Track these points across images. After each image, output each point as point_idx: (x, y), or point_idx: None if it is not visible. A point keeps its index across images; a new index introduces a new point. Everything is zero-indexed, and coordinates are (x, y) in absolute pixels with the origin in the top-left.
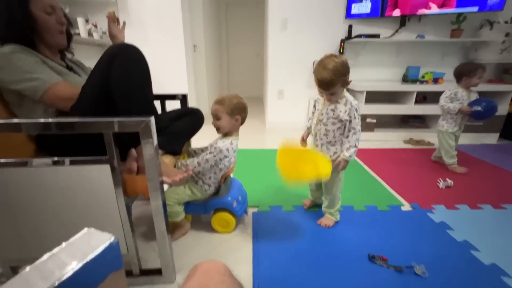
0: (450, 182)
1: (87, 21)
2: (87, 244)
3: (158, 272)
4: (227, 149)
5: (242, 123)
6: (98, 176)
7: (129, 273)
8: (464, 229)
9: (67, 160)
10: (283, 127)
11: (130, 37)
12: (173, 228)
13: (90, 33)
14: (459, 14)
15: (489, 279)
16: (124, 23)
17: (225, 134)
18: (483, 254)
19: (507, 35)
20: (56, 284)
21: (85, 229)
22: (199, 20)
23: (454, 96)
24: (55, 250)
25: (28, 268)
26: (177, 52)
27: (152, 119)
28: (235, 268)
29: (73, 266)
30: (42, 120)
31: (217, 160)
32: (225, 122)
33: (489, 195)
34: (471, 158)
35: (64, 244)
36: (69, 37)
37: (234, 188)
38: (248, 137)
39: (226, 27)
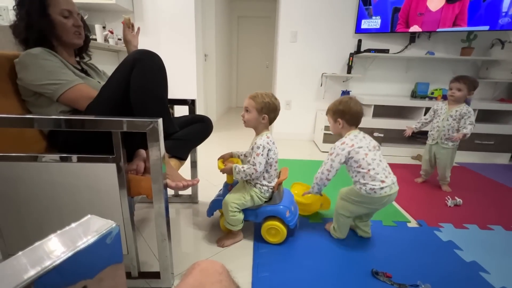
0: (459, 200)
1: (104, 27)
2: (85, 230)
3: (156, 275)
4: (267, 143)
5: (270, 123)
6: (103, 174)
7: (127, 275)
8: (473, 250)
9: (74, 157)
10: (289, 138)
11: (144, 44)
12: (226, 235)
13: (106, 39)
14: (470, 33)
15: None
16: (138, 29)
17: (257, 134)
18: (493, 277)
19: None
20: (46, 270)
21: (88, 216)
22: (211, 31)
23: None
24: (51, 235)
25: (20, 253)
26: (189, 60)
27: (160, 121)
28: (234, 276)
29: (66, 253)
30: (53, 116)
31: (265, 157)
32: (251, 117)
33: (500, 216)
34: (482, 177)
35: (63, 229)
36: (87, 39)
37: (287, 198)
38: None
39: (237, 38)
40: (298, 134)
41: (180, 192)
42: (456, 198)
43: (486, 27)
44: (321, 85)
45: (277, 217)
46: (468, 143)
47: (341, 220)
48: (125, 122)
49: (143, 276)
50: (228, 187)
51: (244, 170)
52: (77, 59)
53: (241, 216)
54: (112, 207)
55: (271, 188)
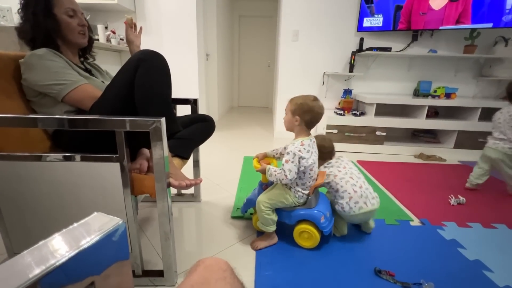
0: (462, 199)
1: (106, 27)
2: (92, 228)
3: (159, 273)
4: (299, 150)
5: (308, 125)
6: (107, 174)
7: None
8: (476, 248)
9: (78, 156)
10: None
11: (146, 43)
12: (260, 237)
13: (108, 39)
14: (473, 30)
15: None
16: (141, 29)
17: (296, 135)
18: (497, 276)
19: None
20: (52, 268)
21: (94, 213)
22: (213, 30)
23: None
24: (57, 233)
25: (24, 252)
26: (190, 59)
27: (163, 120)
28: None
29: (73, 250)
30: (57, 116)
31: (296, 164)
32: (286, 119)
33: (503, 214)
34: None
35: (69, 227)
36: (90, 40)
37: (323, 203)
38: (256, 146)
39: (238, 38)
40: None
41: (183, 191)
42: (459, 196)
43: (490, 25)
44: (323, 84)
45: (310, 221)
46: (471, 142)
47: (337, 219)
48: (128, 122)
49: (147, 275)
50: (263, 186)
51: (275, 175)
52: (81, 59)
53: (274, 217)
54: (115, 206)
55: (306, 195)
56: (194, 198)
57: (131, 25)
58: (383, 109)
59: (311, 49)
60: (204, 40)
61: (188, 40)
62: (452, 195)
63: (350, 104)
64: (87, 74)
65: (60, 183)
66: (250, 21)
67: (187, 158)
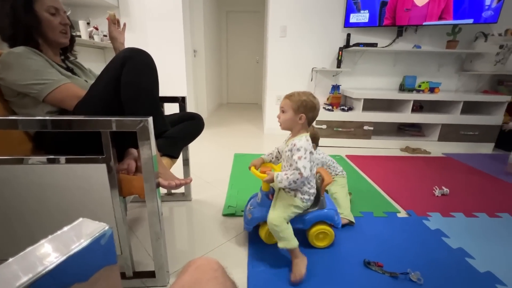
0: (446, 190)
1: (88, 23)
2: (78, 234)
3: (151, 274)
4: (309, 144)
5: (309, 123)
6: (94, 175)
7: (122, 275)
8: (459, 237)
9: (62, 158)
10: (282, 133)
11: (131, 40)
12: (294, 266)
13: (91, 36)
14: (455, 26)
15: (483, 287)
16: (124, 25)
17: (293, 136)
18: (478, 262)
19: (501, 47)
20: (39, 276)
21: (80, 219)
22: (200, 26)
23: None
24: (43, 240)
25: (10, 260)
26: (177, 56)
27: (150, 119)
28: (229, 272)
29: (59, 257)
30: (39, 117)
31: (309, 160)
32: (287, 117)
33: (484, 203)
34: (465, 166)
35: (55, 233)
36: (72, 39)
37: (329, 200)
38: (246, 143)
39: (226, 34)
40: None
41: (173, 191)
42: (443, 187)
43: (470, 20)
44: (311, 80)
45: (324, 221)
46: (454, 134)
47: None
48: (114, 122)
49: (138, 276)
50: (269, 195)
51: (287, 178)
52: (63, 58)
53: (290, 227)
54: (104, 208)
55: (312, 196)
56: (185, 197)
57: (114, 21)
58: (370, 104)
59: (299, 45)
60: (191, 36)
61: (175, 36)
62: (436, 187)
63: (338, 100)
64: (69, 73)
65: (45, 186)
66: (238, 16)
67: (176, 157)
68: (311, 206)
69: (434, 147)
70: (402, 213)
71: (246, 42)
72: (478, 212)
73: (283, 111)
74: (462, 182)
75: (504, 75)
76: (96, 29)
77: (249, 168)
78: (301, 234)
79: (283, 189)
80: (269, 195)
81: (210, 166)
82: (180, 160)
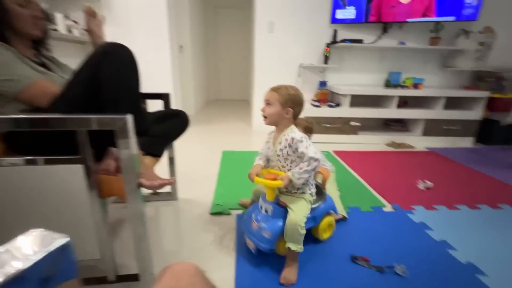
0: (429, 183)
1: (66, 17)
2: (33, 246)
3: (135, 277)
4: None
5: (294, 118)
6: (70, 177)
7: (103, 280)
8: (442, 229)
9: (36, 159)
10: (269, 130)
11: (113, 35)
12: (287, 269)
13: (69, 30)
14: (437, 23)
15: (465, 277)
16: (103, 18)
17: (280, 130)
18: (460, 253)
19: (481, 44)
20: None
21: (36, 230)
22: (186, 21)
23: None
24: None
25: None
26: (163, 52)
27: (130, 117)
28: (217, 273)
29: (9, 274)
30: (10, 116)
31: (312, 145)
32: (273, 111)
33: (465, 196)
34: (448, 161)
35: (4, 246)
36: (46, 32)
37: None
38: (235, 140)
39: (213, 29)
40: None
41: (159, 190)
42: (427, 181)
43: (452, 18)
44: (299, 76)
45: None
46: (437, 129)
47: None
48: (90, 120)
49: (121, 280)
50: (279, 202)
51: (305, 170)
52: (36, 52)
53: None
54: (82, 210)
55: (314, 187)
56: (171, 196)
57: (90, 14)
58: (357, 100)
59: (287, 41)
60: (177, 31)
61: (159, 31)
62: (420, 180)
63: (325, 96)
64: (43, 69)
65: (18, 189)
66: (225, 11)
67: (160, 156)
68: (315, 201)
69: (418, 142)
70: (388, 207)
71: (234, 38)
72: (459, 205)
73: (268, 104)
74: (445, 175)
75: (484, 72)
76: (76, 22)
77: (252, 179)
78: None
79: (287, 192)
80: (278, 202)
81: (197, 164)
82: (165, 158)
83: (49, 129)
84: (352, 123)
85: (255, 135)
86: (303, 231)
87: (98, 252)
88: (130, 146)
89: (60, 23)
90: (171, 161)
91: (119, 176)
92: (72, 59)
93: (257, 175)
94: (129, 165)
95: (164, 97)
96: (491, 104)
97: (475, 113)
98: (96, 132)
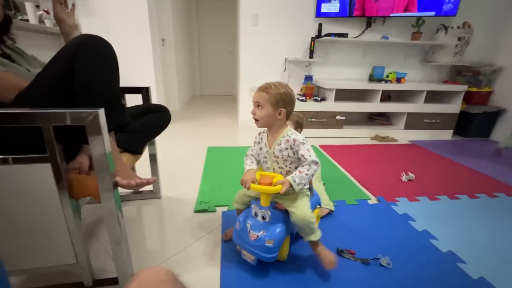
0: (412, 175)
1: (37, 6)
2: None
3: (114, 281)
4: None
5: (287, 117)
6: (37, 177)
7: (79, 286)
8: (424, 220)
9: None
10: (255, 125)
11: (90, 26)
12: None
13: (41, 20)
14: (419, 18)
15: (446, 266)
16: (73, 6)
17: (274, 132)
18: (441, 243)
19: (459, 39)
20: None
21: None
22: (168, 14)
23: None
24: None
25: None
26: (143, 45)
27: (102, 111)
28: (202, 271)
29: None
30: None
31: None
32: (265, 113)
33: (445, 186)
34: (428, 152)
35: None
36: (8, 19)
37: None
38: (220, 135)
39: (197, 22)
40: None
41: (139, 189)
42: (409, 173)
43: (432, 13)
44: (284, 70)
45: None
46: (418, 122)
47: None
48: (56, 115)
49: (99, 284)
50: (275, 205)
51: (306, 175)
52: None
53: None
54: (53, 213)
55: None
56: (154, 194)
57: (59, 1)
58: (342, 95)
59: (272, 35)
60: (158, 23)
61: (139, 23)
62: (403, 173)
63: (311, 90)
64: (6, 61)
65: None
66: (209, 4)
67: (140, 153)
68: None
69: (401, 135)
70: (373, 200)
71: (219, 32)
72: (440, 195)
73: (259, 106)
74: (426, 167)
75: (462, 66)
76: (47, 12)
77: (248, 187)
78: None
79: (284, 194)
80: (274, 205)
81: (181, 161)
82: (146, 156)
83: (7, 125)
84: (338, 117)
85: (241, 130)
86: (314, 219)
87: (73, 257)
88: (103, 142)
89: (30, 13)
90: (153, 158)
91: (92, 174)
92: (44, 52)
93: (253, 182)
94: (102, 163)
95: (144, 91)
96: (468, 98)
97: (454, 107)
98: (68, 127)
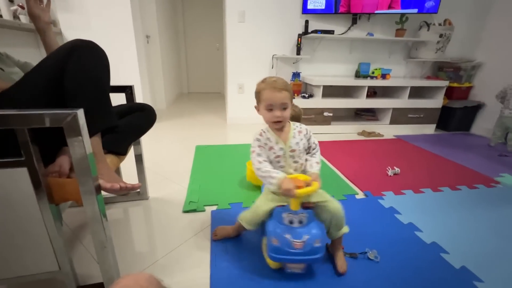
0: (397, 169)
1: (11, 1)
2: None
3: (100, 286)
4: None
5: None
6: (13, 182)
7: None
8: (409, 212)
9: None
10: (245, 123)
11: (69, 22)
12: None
13: (15, 16)
14: (402, 15)
15: (430, 257)
16: (48, 1)
17: (283, 128)
18: (425, 234)
19: (440, 36)
20: None
21: None
22: (152, 8)
23: None
24: None
25: None
26: (126, 41)
27: (80, 112)
28: (191, 272)
29: None
30: None
31: None
32: (289, 111)
33: (429, 179)
34: (413, 147)
35: None
36: None
37: None
38: (209, 134)
39: (183, 18)
40: (253, 118)
41: (122, 193)
42: (395, 167)
43: (415, 10)
44: (272, 67)
45: None
46: (403, 118)
47: None
48: (33, 116)
49: None
50: (305, 204)
51: (318, 162)
52: None
53: None
54: (32, 220)
55: None
56: (141, 195)
57: None
58: (329, 91)
59: (259, 31)
60: (142, 20)
61: (122, 18)
62: (389, 167)
63: (299, 87)
64: None
65: None
66: (195, 0)
67: (124, 154)
68: None
69: (386, 130)
70: (360, 195)
71: (206, 27)
72: (424, 188)
73: (284, 108)
74: (411, 161)
75: (443, 62)
76: (22, 7)
77: (294, 195)
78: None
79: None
80: (303, 205)
81: (169, 160)
82: (132, 157)
83: None
84: (325, 114)
85: (230, 128)
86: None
87: (56, 264)
88: (83, 145)
89: (3, 8)
90: (139, 158)
91: (73, 178)
92: (20, 49)
93: (297, 187)
94: (83, 166)
95: (128, 90)
96: (450, 93)
97: (437, 102)
98: (48, 129)
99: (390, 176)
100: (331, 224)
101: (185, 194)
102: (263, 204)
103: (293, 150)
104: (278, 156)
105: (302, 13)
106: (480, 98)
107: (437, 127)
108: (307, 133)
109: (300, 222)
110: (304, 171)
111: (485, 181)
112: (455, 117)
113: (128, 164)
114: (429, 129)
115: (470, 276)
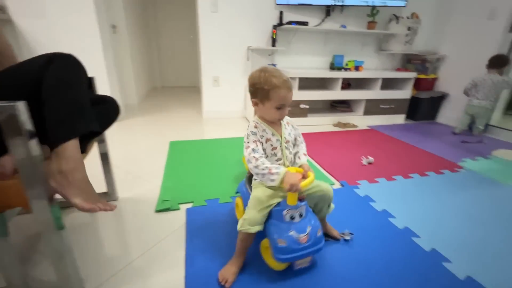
0: (371, 158)
1: None
2: None
3: None
4: None
5: None
6: None
7: None
8: (383, 200)
9: None
10: (220, 116)
11: (17, 6)
12: None
13: None
14: (373, 8)
15: (403, 241)
16: None
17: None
18: (398, 220)
19: (409, 29)
20: None
21: None
22: None
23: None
24: None
25: None
26: (90, 32)
27: (21, 104)
28: (165, 274)
29: None
30: None
31: None
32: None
33: (400, 167)
34: (385, 136)
35: None
36: None
37: None
38: (184, 129)
39: (154, 9)
40: (229, 111)
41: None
42: (368, 157)
43: (384, 2)
44: (247, 59)
45: None
46: (375, 108)
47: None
48: None
49: None
50: (299, 197)
51: (305, 154)
52: None
53: None
54: None
55: None
56: (109, 196)
57: None
58: (305, 83)
59: (233, 22)
60: (107, 8)
61: (82, 6)
62: (363, 156)
63: None
64: None
65: None
66: None
67: (85, 151)
68: None
69: (360, 121)
70: (337, 185)
71: (179, 19)
72: (396, 175)
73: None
74: (383, 150)
75: (411, 54)
76: None
77: (300, 188)
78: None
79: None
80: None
81: (140, 158)
82: (96, 156)
83: None
84: (302, 106)
85: (206, 122)
86: None
87: (3, 279)
88: (26, 144)
89: None
90: (105, 157)
91: (16, 180)
92: None
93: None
94: (28, 167)
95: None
96: (418, 84)
97: (406, 93)
98: None
99: (364, 165)
100: (325, 203)
101: (158, 193)
102: (265, 198)
103: (287, 141)
104: (275, 148)
105: (276, 4)
106: (445, 88)
107: (407, 117)
108: (294, 126)
109: (301, 215)
110: (292, 163)
111: (450, 166)
112: (422, 107)
113: (93, 164)
114: (400, 119)
115: (439, 257)
